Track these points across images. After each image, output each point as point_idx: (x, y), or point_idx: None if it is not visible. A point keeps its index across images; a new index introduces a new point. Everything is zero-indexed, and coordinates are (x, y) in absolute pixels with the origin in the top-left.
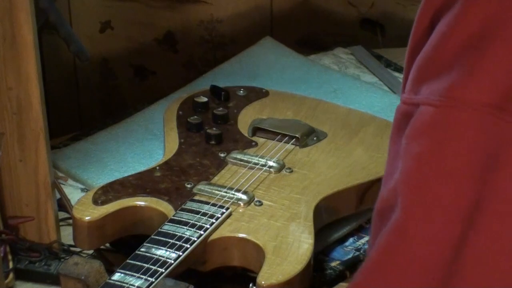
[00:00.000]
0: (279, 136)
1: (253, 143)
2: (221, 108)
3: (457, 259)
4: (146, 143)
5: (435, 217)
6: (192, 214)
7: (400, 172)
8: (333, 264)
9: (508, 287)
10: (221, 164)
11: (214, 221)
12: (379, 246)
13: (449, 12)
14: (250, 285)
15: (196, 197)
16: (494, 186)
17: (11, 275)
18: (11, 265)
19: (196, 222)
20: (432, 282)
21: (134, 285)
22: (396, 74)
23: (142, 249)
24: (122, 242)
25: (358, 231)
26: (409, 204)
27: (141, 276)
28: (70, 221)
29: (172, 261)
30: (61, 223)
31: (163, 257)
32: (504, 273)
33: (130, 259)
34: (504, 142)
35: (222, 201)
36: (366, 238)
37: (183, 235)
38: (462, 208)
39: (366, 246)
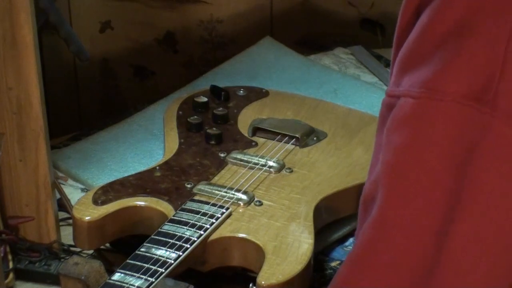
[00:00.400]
0: (279, 136)
1: (253, 143)
2: (221, 108)
3: (439, 250)
4: (146, 143)
5: (414, 207)
6: (192, 214)
7: (381, 164)
8: (333, 264)
9: (492, 276)
10: (221, 164)
11: (214, 221)
12: (361, 238)
13: (430, 5)
14: (250, 285)
15: (196, 197)
16: (473, 176)
17: (11, 275)
18: (11, 265)
19: (196, 222)
20: (415, 273)
21: (134, 285)
22: None
23: (142, 249)
24: (122, 242)
25: None
26: (388, 195)
27: (141, 276)
28: (70, 221)
29: (172, 261)
30: (61, 223)
31: (163, 257)
32: (488, 262)
33: (130, 259)
34: (481, 132)
35: (222, 201)
36: None
37: (183, 235)
38: (442, 199)
39: None
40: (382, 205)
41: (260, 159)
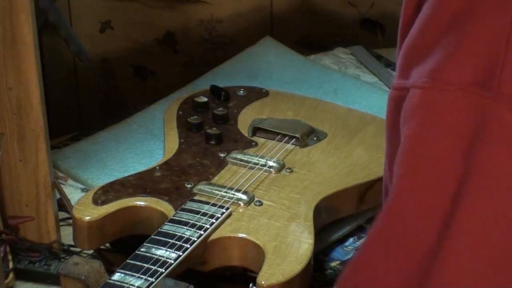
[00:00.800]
0: (279, 136)
1: (253, 143)
2: (221, 108)
3: (445, 236)
4: (146, 143)
5: (424, 196)
6: (192, 214)
7: (397, 155)
8: (333, 264)
9: (499, 259)
10: (221, 164)
11: (214, 221)
12: (374, 225)
13: None
14: (250, 285)
15: (196, 197)
16: (479, 163)
17: (11, 275)
18: (11, 265)
19: (196, 222)
20: (421, 259)
21: (134, 285)
22: None
23: (142, 249)
24: (122, 242)
25: (358, 231)
26: (399, 184)
27: (141, 276)
28: (70, 221)
29: (172, 261)
30: (61, 223)
31: (163, 257)
32: (494, 248)
33: (130, 259)
34: (487, 119)
35: (222, 201)
36: None
37: (183, 235)
38: (449, 186)
39: None
40: (393, 194)
41: (260, 159)
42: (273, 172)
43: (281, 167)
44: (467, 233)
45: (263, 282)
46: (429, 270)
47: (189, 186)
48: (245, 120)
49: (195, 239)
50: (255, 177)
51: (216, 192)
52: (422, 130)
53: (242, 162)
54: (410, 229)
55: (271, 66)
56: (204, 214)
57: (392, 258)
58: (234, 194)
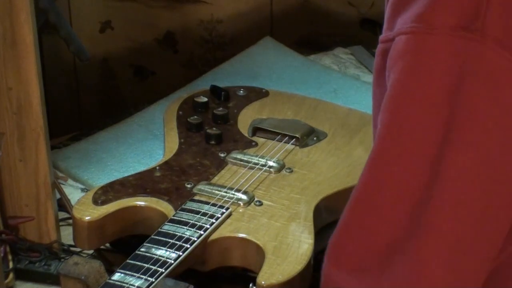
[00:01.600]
0: (279, 136)
1: (253, 143)
2: (221, 108)
3: (435, 180)
4: (146, 143)
5: (409, 140)
6: (192, 214)
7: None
8: None
9: (488, 204)
10: (221, 164)
11: (214, 221)
12: (363, 175)
13: None
14: (250, 285)
15: (196, 197)
16: (466, 104)
17: (11, 275)
18: (11, 265)
19: (196, 222)
20: (414, 204)
21: (134, 285)
22: None
23: (142, 249)
24: (122, 242)
25: None
26: (385, 128)
27: (141, 276)
28: (70, 221)
29: (172, 261)
30: (61, 223)
31: (163, 257)
32: (483, 190)
33: (130, 259)
34: (472, 61)
35: (222, 201)
36: None
37: (183, 235)
38: (437, 130)
39: None
40: (380, 139)
41: (260, 159)
42: (273, 172)
43: (281, 167)
44: (457, 177)
45: (263, 282)
46: (419, 219)
47: (189, 186)
48: (245, 120)
49: (195, 239)
50: (255, 177)
51: (216, 192)
52: (407, 74)
53: (242, 162)
54: (395, 178)
55: (271, 66)
56: (204, 214)
57: (379, 210)
58: (234, 194)
